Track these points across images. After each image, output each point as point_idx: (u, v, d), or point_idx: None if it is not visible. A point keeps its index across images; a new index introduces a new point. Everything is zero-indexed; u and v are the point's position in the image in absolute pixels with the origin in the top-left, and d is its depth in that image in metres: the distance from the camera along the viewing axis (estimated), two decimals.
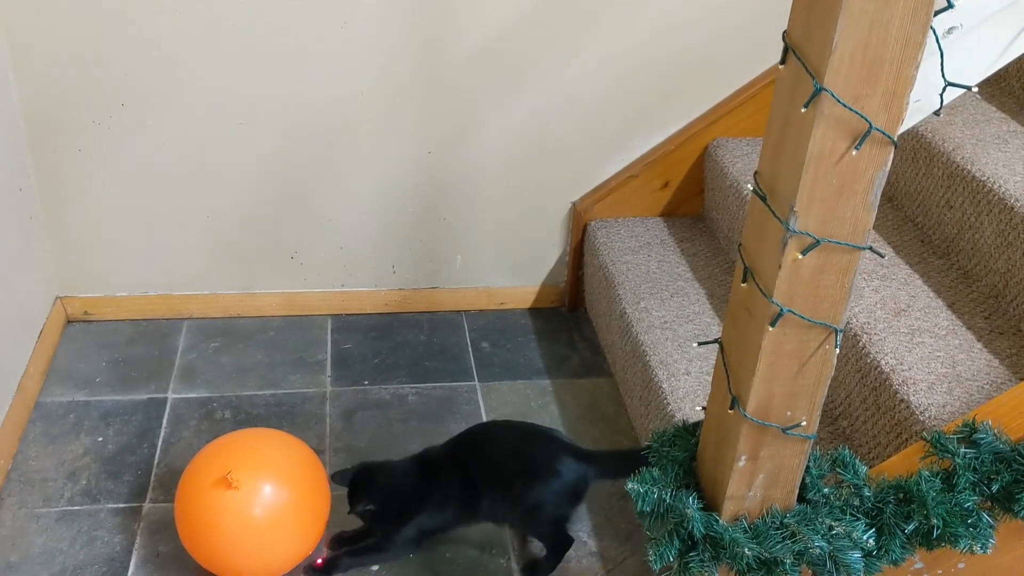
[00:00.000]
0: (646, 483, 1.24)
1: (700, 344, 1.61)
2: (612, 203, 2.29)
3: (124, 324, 2.30)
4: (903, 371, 1.50)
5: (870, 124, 0.96)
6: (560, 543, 1.69)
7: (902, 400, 1.46)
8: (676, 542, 1.21)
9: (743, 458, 1.17)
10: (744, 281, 1.11)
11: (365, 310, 2.39)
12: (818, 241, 1.02)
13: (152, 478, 1.87)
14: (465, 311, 2.41)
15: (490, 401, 2.11)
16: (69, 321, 2.29)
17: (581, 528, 1.81)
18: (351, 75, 2.06)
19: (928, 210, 1.84)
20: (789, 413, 1.14)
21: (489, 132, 2.18)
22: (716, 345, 1.22)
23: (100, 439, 1.96)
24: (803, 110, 0.97)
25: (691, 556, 1.20)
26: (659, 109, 2.22)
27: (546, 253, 2.39)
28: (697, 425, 1.31)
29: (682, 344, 1.88)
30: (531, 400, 2.12)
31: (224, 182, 2.17)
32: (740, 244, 1.13)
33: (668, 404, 1.75)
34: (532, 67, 2.10)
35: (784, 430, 1.15)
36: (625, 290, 2.06)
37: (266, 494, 1.57)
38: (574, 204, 2.32)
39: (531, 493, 1.61)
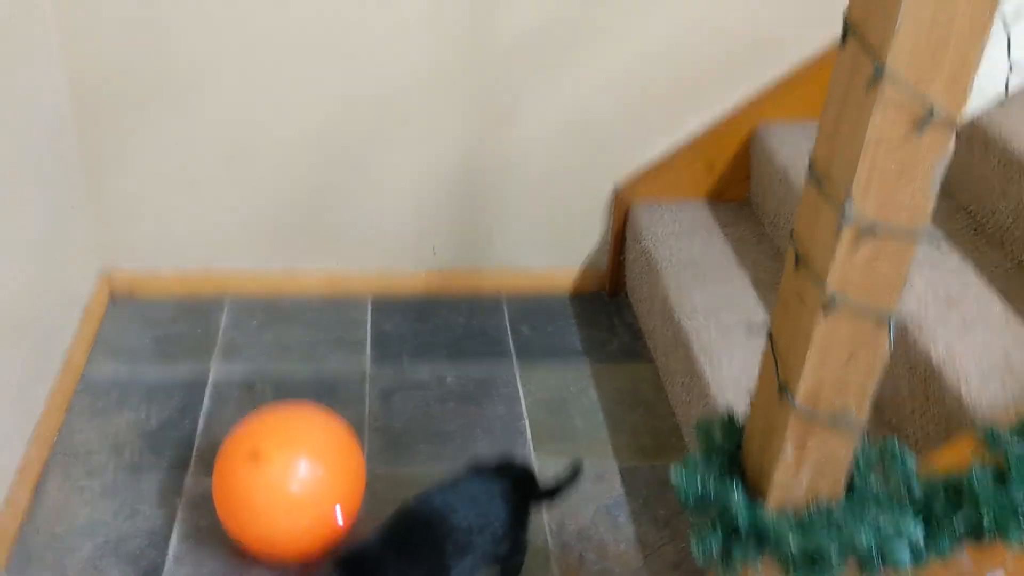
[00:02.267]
0: (690, 470, 1.23)
1: (749, 330, 1.59)
2: (655, 187, 2.26)
3: (167, 301, 2.32)
4: (954, 363, 1.47)
5: (932, 108, 0.93)
6: (520, 560, 1.60)
7: (953, 392, 1.43)
8: (719, 532, 1.19)
9: (790, 448, 1.15)
10: (796, 267, 1.09)
11: (405, 291, 2.39)
12: (874, 228, 0.99)
13: (193, 453, 1.89)
14: (505, 294, 2.40)
15: (528, 384, 2.10)
16: (114, 297, 2.32)
17: (620, 514, 1.80)
18: (398, 58, 2.05)
19: (982, 198, 1.80)
20: (838, 403, 1.12)
21: (532, 115, 2.16)
22: (762, 333, 1.20)
23: (143, 414, 1.98)
24: (863, 93, 0.94)
25: (734, 546, 1.18)
26: (704, 91, 2.18)
27: (588, 236, 2.37)
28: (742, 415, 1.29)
29: (725, 331, 1.86)
30: (569, 384, 2.11)
31: (268, 159, 2.18)
32: (792, 230, 1.10)
33: (710, 391, 1.73)
34: (576, 49, 2.08)
35: (833, 420, 1.13)
36: (668, 275, 2.03)
37: (298, 469, 1.57)
38: (616, 187, 2.29)
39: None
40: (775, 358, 1.15)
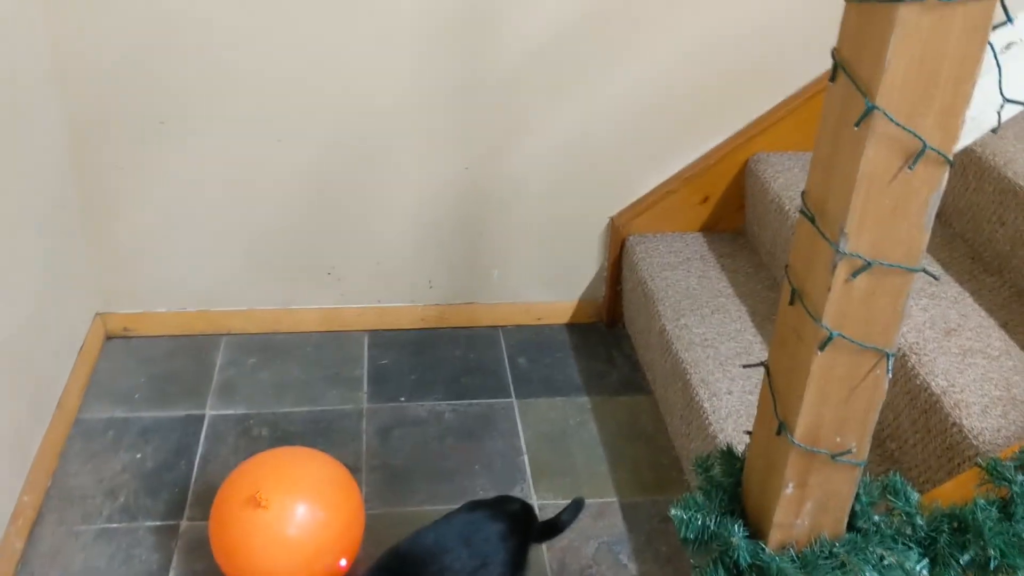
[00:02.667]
0: (689, 509, 1.21)
1: (745, 367, 1.58)
2: (651, 218, 2.26)
3: (163, 340, 2.30)
4: (955, 393, 1.46)
5: (924, 143, 0.93)
6: None
7: (954, 423, 1.42)
8: (721, 571, 1.17)
9: (791, 485, 1.14)
10: (792, 303, 1.08)
11: (402, 325, 2.38)
12: (869, 263, 0.99)
13: (189, 495, 1.87)
14: (502, 326, 2.39)
15: (527, 418, 2.09)
16: (108, 337, 2.31)
17: (622, 551, 1.78)
18: (390, 90, 2.06)
19: (979, 226, 1.79)
20: (839, 439, 1.11)
21: (527, 146, 2.16)
22: (754, 366, 1.19)
23: (139, 455, 1.96)
24: (855, 128, 0.94)
25: None
26: (699, 123, 2.19)
27: (584, 268, 2.36)
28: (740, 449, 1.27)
29: (724, 363, 1.85)
30: (569, 417, 2.09)
31: (262, 198, 2.17)
32: (787, 265, 1.10)
33: (710, 424, 1.72)
34: (571, 80, 2.08)
35: (834, 456, 1.11)
36: (665, 306, 2.02)
37: (297, 513, 1.56)
38: (612, 219, 2.29)
39: None
40: (773, 394, 1.13)
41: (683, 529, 1.21)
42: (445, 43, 2.00)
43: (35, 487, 1.82)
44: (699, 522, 1.21)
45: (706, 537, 1.22)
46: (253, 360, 2.26)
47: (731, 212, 2.27)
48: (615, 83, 2.10)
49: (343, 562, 1.58)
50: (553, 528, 1.62)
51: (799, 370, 1.08)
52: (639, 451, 2.00)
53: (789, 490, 1.14)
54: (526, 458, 1.98)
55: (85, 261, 2.20)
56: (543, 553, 1.75)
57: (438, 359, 2.27)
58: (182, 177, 2.12)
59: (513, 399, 2.14)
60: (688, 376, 1.83)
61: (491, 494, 1.88)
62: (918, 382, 1.50)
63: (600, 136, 2.16)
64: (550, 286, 2.38)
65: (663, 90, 2.12)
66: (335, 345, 2.32)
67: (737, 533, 1.16)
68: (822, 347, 1.03)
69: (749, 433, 1.26)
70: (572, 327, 2.40)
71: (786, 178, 2.07)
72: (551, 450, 2.00)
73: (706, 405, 1.75)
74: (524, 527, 1.55)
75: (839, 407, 1.09)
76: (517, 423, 2.07)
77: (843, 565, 1.15)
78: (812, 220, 1.02)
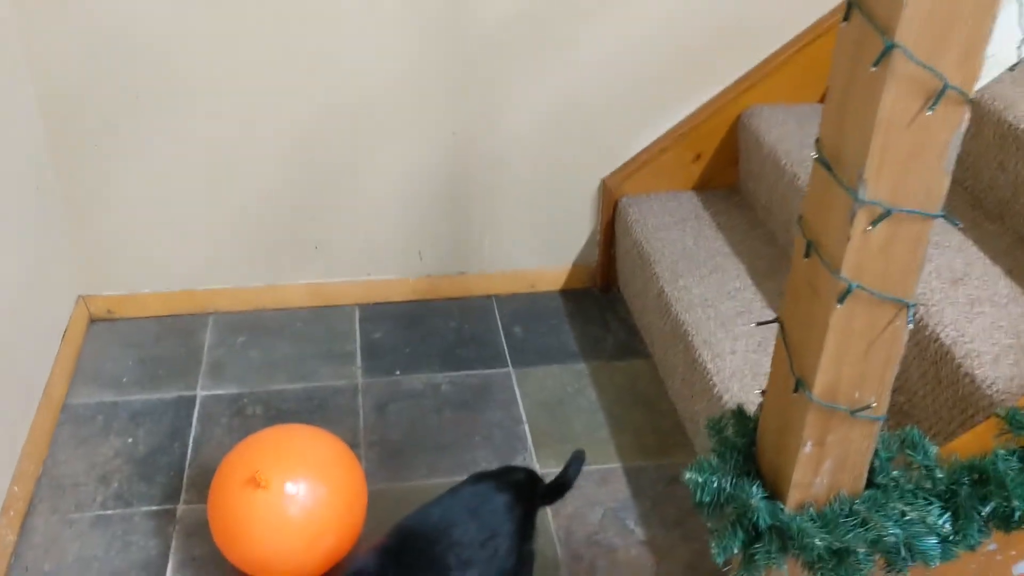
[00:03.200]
0: (704, 471, 1.18)
1: (760, 324, 1.54)
2: (643, 178, 2.22)
3: (149, 321, 2.25)
4: (965, 343, 1.43)
5: (945, 82, 0.89)
6: (528, 571, 1.54)
7: (966, 373, 1.39)
8: (740, 533, 1.15)
9: (809, 444, 1.10)
10: (807, 256, 1.04)
11: (393, 298, 2.33)
12: (889, 211, 0.95)
13: (185, 479, 1.82)
14: (495, 295, 2.34)
15: (525, 387, 2.05)
16: (93, 320, 2.25)
17: (628, 516, 1.75)
18: (373, 58, 1.99)
19: (979, 173, 1.76)
20: (858, 394, 1.08)
21: (514, 111, 2.11)
22: (768, 324, 1.16)
23: (130, 440, 1.91)
24: (872, 69, 0.89)
25: (756, 548, 1.14)
26: (688, 79, 2.14)
27: (576, 232, 2.32)
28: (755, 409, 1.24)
29: (725, 322, 1.81)
30: (567, 385, 2.06)
31: (244, 173, 2.11)
32: (800, 217, 1.06)
33: (714, 385, 1.69)
34: (557, 42, 2.03)
35: (853, 412, 1.08)
36: (662, 268, 1.99)
37: (298, 492, 1.52)
38: (604, 181, 2.24)
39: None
40: (788, 351, 1.10)
41: (698, 492, 1.18)
42: (429, 6, 1.94)
43: (25, 477, 1.77)
44: (714, 485, 1.18)
45: (721, 500, 1.19)
46: (242, 338, 2.21)
47: (724, 168, 2.23)
48: (602, 41, 2.04)
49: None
50: (560, 488, 1.57)
51: (816, 325, 1.04)
52: (640, 415, 1.97)
53: (807, 449, 1.11)
54: (526, 427, 1.94)
55: (65, 243, 2.13)
56: (549, 522, 1.72)
57: (432, 331, 2.23)
58: (161, 154, 2.06)
59: (510, 368, 2.11)
60: (689, 337, 1.80)
61: (492, 465, 1.85)
62: (927, 333, 1.48)
63: (589, 96, 2.11)
64: (542, 252, 2.33)
65: (651, 46, 2.07)
66: (325, 320, 2.27)
67: (755, 495, 1.13)
68: (841, 300, 1.00)
69: (763, 393, 1.23)
70: (566, 293, 2.36)
71: (781, 131, 2.03)
72: (551, 418, 1.97)
73: (710, 366, 1.72)
74: (530, 496, 1.52)
75: (858, 361, 1.05)
76: (515, 392, 2.04)
77: (864, 522, 1.12)
78: (828, 168, 0.98)
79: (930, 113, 0.91)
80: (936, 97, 0.90)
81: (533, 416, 1.97)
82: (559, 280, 2.37)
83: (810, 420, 1.08)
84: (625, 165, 2.22)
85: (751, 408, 1.28)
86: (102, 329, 2.23)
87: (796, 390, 1.09)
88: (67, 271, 2.16)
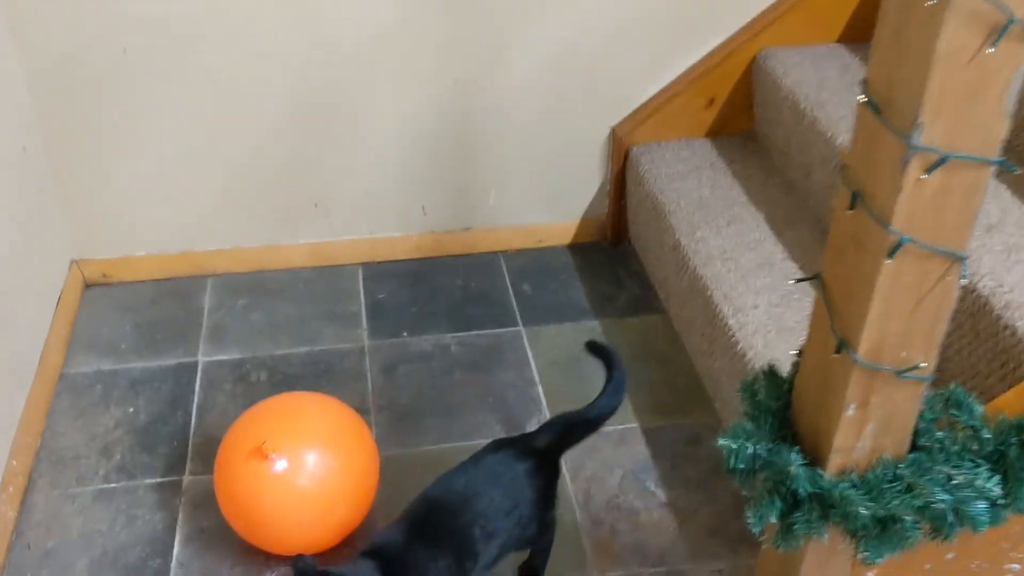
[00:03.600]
0: (738, 437, 1.12)
1: (798, 281, 1.46)
2: (654, 126, 2.13)
3: (145, 285, 2.17)
4: (1004, 293, 1.36)
5: (1011, 16, 0.81)
6: (550, 539, 1.50)
7: (1006, 326, 1.32)
8: (777, 502, 1.09)
9: (852, 407, 1.04)
10: (851, 208, 0.97)
11: (396, 256, 2.25)
12: (946, 157, 0.87)
13: (190, 448, 1.77)
14: (502, 251, 2.27)
15: (537, 347, 1.99)
16: (87, 285, 2.17)
17: (648, 478, 1.70)
18: (368, 4, 1.89)
19: None
20: (904, 354, 1.01)
21: (518, 58, 2.01)
22: (806, 281, 1.09)
23: (131, 409, 1.85)
24: (930, 2, 0.81)
25: (795, 517, 1.08)
26: (700, 20, 2.04)
27: (585, 184, 2.24)
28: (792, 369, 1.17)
29: (745, 275, 1.74)
30: (581, 343, 1.98)
31: (240, 131, 2.03)
32: (843, 165, 0.98)
33: (737, 342, 1.62)
34: None
35: (899, 373, 1.02)
36: (677, 219, 1.91)
37: (308, 462, 1.46)
38: (613, 129, 2.16)
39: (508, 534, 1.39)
40: (829, 310, 1.03)
41: (732, 459, 1.12)
42: None
43: (23, 451, 1.71)
44: (748, 451, 1.12)
45: (756, 466, 1.13)
46: (243, 301, 2.14)
47: (738, 114, 2.14)
48: None
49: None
50: (601, 417, 1.51)
51: (861, 281, 0.97)
52: (656, 373, 1.91)
53: (850, 412, 1.05)
54: (540, 388, 1.88)
55: (56, 206, 2.05)
56: (568, 485, 1.67)
57: (438, 289, 2.16)
58: (151, 111, 1.97)
59: (520, 327, 2.04)
60: (709, 292, 1.73)
61: (506, 428, 1.80)
62: (963, 283, 1.40)
63: (596, 40, 2.01)
64: (550, 206, 2.25)
65: None
66: (328, 280, 2.20)
67: (794, 461, 1.07)
68: (890, 254, 0.93)
69: (798, 352, 1.16)
70: (575, 248, 2.29)
71: (798, 73, 1.94)
72: (564, 378, 1.91)
73: (731, 322, 1.65)
74: (552, 462, 1.46)
75: (905, 319, 0.99)
76: (527, 352, 1.97)
77: (910, 488, 1.06)
78: (877, 112, 0.90)
79: (992, 50, 0.83)
80: (1000, 32, 0.82)
81: (546, 376, 1.91)
82: (568, 234, 2.29)
83: (854, 382, 1.02)
84: (635, 112, 2.13)
85: (783, 367, 1.22)
86: (97, 294, 2.15)
87: (838, 351, 1.02)
88: (59, 235, 2.08)
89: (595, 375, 1.91)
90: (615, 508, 1.64)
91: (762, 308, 1.66)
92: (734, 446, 1.11)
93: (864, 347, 0.99)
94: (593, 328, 2.03)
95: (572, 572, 1.54)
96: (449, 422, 1.81)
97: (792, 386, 1.16)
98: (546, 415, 1.82)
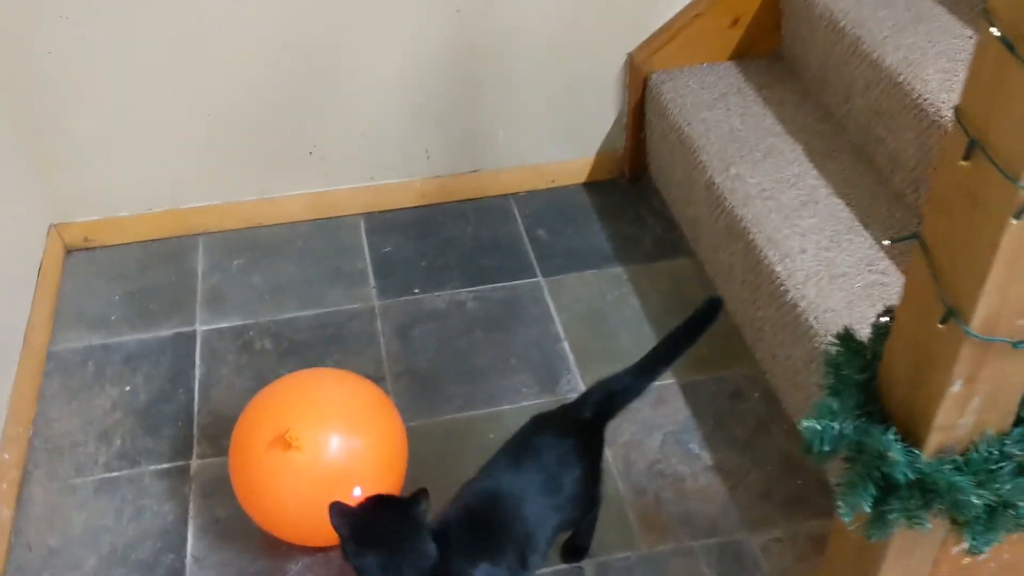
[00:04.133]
0: (823, 417, 0.99)
1: (893, 242, 1.31)
2: (675, 50, 1.96)
3: (132, 248, 2.02)
4: None
5: None
6: (595, 514, 1.40)
7: None
8: (871, 487, 0.97)
9: (959, 382, 0.91)
10: (967, 159, 0.82)
11: (400, 204, 2.10)
12: None
13: (195, 429, 1.64)
14: (513, 194, 2.11)
15: (560, 299, 1.85)
16: (69, 251, 2.02)
17: (691, 439, 1.58)
18: None
19: None
20: (1021, 322, 0.88)
21: None
22: (901, 241, 0.96)
23: (128, 388, 1.72)
24: None
25: (891, 505, 0.96)
26: None
27: (600, 117, 2.08)
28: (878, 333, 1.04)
29: (789, 216, 1.60)
30: (606, 293, 1.86)
31: (225, 76, 1.85)
32: (957, 108, 0.83)
33: (786, 291, 1.49)
34: None
35: (1015, 344, 0.89)
36: (708, 155, 1.76)
37: (333, 448, 1.34)
38: (630, 56, 1.99)
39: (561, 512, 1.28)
40: (935, 276, 0.89)
41: (817, 442, 1.00)
42: None
43: (15, 441, 1.58)
44: (835, 432, 0.99)
45: (842, 447, 1.01)
46: (239, 261, 1.99)
47: (766, 33, 1.97)
48: None
49: (357, 491, 1.36)
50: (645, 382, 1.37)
51: (978, 244, 0.83)
52: None
53: (957, 387, 0.92)
54: (566, 345, 1.76)
55: (30, 166, 1.88)
56: (606, 453, 1.55)
57: (447, 240, 2.01)
58: (127, 57, 1.79)
59: (540, 278, 1.90)
60: (750, 236, 1.59)
61: (534, 391, 1.68)
62: None
63: None
64: (563, 142, 2.09)
65: None
66: (328, 234, 2.05)
67: (891, 443, 0.95)
68: (1019, 214, 0.79)
69: (886, 317, 1.03)
70: (591, 186, 2.13)
71: None
72: (592, 333, 1.78)
73: (778, 268, 1.52)
74: (598, 435, 1.34)
75: None
76: (549, 306, 1.84)
77: (1022, 470, 0.95)
78: (1009, 47, 0.75)
79: None
80: None
81: (572, 332, 1.78)
82: (582, 172, 2.14)
83: (964, 355, 0.89)
84: (653, 36, 1.96)
85: (856, 330, 1.09)
86: (80, 260, 2.00)
87: (945, 321, 0.89)
88: (33, 197, 1.92)
89: (622, 330, 1.79)
90: (658, 475, 1.53)
91: (810, 252, 1.53)
92: (819, 427, 0.99)
93: (979, 317, 0.86)
94: (618, 276, 1.89)
95: (619, 549, 1.44)
96: (472, 387, 1.68)
97: (877, 355, 1.04)
98: (576, 375, 1.70)
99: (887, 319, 1.01)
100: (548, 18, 1.89)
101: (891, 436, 0.95)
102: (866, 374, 1.03)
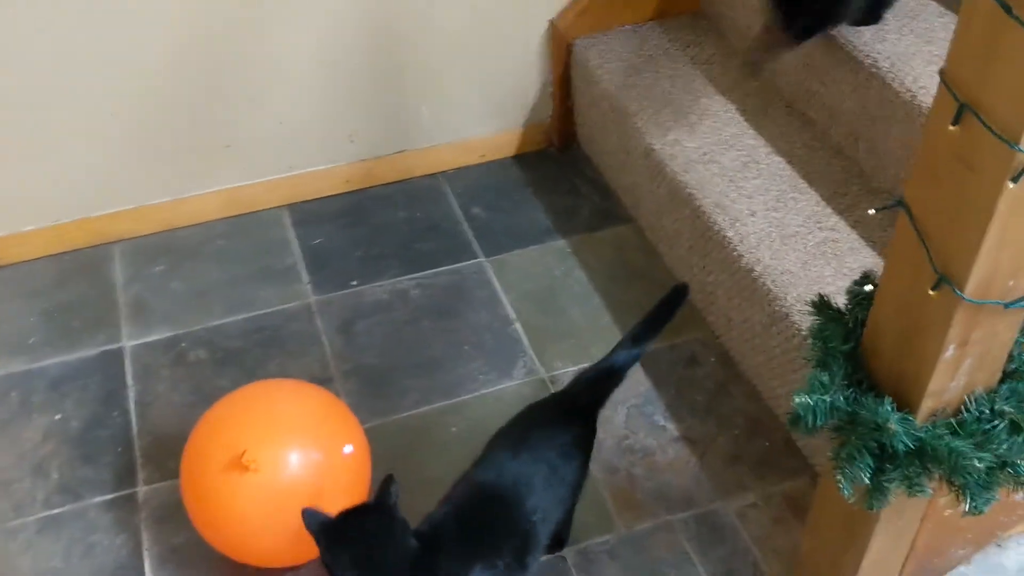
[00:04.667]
0: (815, 392, 0.98)
1: (878, 211, 1.30)
2: (596, 14, 1.92)
3: (43, 263, 1.88)
4: None
5: None
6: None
7: None
8: (867, 458, 0.96)
9: (952, 347, 0.91)
10: (956, 123, 0.81)
11: (325, 192, 2.01)
12: None
13: (136, 453, 1.54)
14: (443, 172, 2.05)
15: (505, 279, 1.80)
16: None
17: (655, 411, 1.57)
18: None
19: None
20: (1012, 283, 0.88)
21: None
22: (887, 209, 0.94)
23: (58, 416, 1.60)
24: None
25: (890, 475, 0.96)
26: None
27: (525, 87, 2.02)
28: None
29: (733, 178, 1.59)
30: (552, 268, 1.82)
31: (123, 65, 1.72)
32: (943, 71, 0.81)
33: (740, 256, 1.48)
34: None
35: (1007, 305, 0.88)
36: (644, 120, 1.73)
37: (293, 464, 1.27)
38: (552, 23, 1.93)
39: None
40: (924, 243, 0.88)
41: (810, 419, 0.98)
42: None
43: None
44: (827, 405, 0.98)
45: (834, 419, 1.00)
46: (159, 268, 1.87)
47: None
48: None
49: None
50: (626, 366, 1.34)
51: (971, 209, 0.82)
52: (638, 292, 1.76)
53: (949, 353, 0.91)
54: (518, 326, 1.72)
55: None
56: None
57: (381, 226, 1.93)
58: (15, 51, 1.64)
59: (482, 259, 1.85)
60: (696, 202, 1.57)
61: (491, 376, 1.64)
62: None
63: None
64: (489, 116, 2.03)
65: None
66: (251, 231, 1.95)
67: (887, 413, 0.94)
68: (1016, 177, 0.77)
69: (866, 284, 1.02)
70: (521, 159, 2.08)
71: None
72: (542, 310, 1.74)
73: (729, 233, 1.50)
74: (592, 422, 1.30)
75: (1018, 246, 0.85)
76: (495, 287, 1.79)
77: (1015, 427, 0.95)
78: (1007, 8, 0.73)
79: None
80: None
81: (522, 311, 1.74)
82: (511, 145, 2.09)
83: (957, 320, 0.88)
84: (574, 1, 1.91)
85: (827, 295, 1.08)
86: None
87: (937, 287, 0.88)
88: None
89: (573, 306, 1.76)
90: (628, 451, 1.51)
91: (759, 214, 1.52)
92: (811, 402, 0.98)
93: (973, 283, 0.85)
94: (561, 249, 1.86)
95: (598, 532, 1.41)
96: (427, 380, 1.63)
97: (859, 323, 1.03)
98: (532, 357, 1.66)
99: (870, 287, 1.00)
100: None
101: (888, 406, 0.94)
102: (850, 344, 1.02)
